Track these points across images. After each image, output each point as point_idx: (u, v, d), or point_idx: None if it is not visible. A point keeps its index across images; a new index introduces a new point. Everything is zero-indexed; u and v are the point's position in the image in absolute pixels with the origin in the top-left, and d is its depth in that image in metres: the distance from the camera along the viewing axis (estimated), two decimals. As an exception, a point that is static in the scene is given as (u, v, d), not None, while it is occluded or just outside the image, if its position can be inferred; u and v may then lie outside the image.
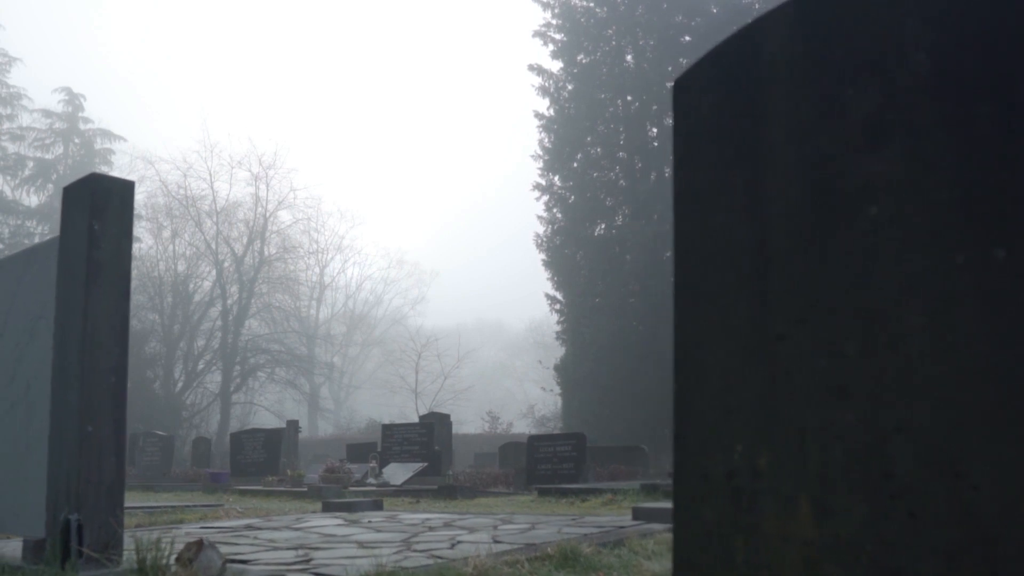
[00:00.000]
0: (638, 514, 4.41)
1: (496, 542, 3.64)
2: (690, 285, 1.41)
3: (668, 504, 4.67)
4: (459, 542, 3.68)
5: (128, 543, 2.78)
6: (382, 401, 41.36)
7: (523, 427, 29.80)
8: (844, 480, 1.10)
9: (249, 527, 4.66)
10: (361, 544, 3.67)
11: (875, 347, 1.08)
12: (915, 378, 1.04)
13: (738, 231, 1.31)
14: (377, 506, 5.84)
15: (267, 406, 32.52)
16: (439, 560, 3.06)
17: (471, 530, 4.20)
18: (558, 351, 25.88)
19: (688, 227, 1.43)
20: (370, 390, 44.16)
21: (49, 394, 2.84)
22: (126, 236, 2.87)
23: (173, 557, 2.41)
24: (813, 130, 1.22)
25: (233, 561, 2.93)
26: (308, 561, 3.14)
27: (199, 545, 2.42)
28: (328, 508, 5.68)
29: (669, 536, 3.82)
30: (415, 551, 3.39)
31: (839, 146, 1.17)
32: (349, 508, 5.53)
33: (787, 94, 1.27)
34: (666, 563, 3.03)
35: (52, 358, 2.85)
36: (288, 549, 3.51)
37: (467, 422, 31.74)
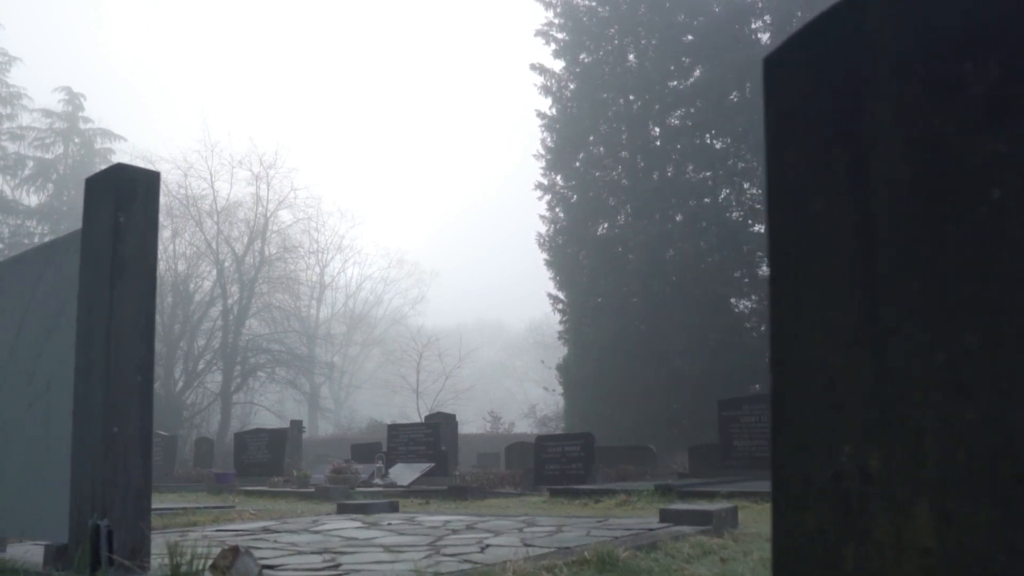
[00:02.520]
0: (666, 516, 4.31)
1: (526, 545, 3.54)
2: (787, 276, 1.32)
3: (697, 506, 4.59)
4: (488, 545, 3.59)
5: (156, 547, 2.68)
6: (382, 401, 41.29)
7: (525, 427, 29.74)
8: (968, 483, 1.01)
9: (266, 530, 4.56)
10: (387, 548, 3.57)
11: (1001, 340, 0.99)
12: (1050, 373, 0.94)
13: (841, 216, 1.22)
14: (393, 508, 5.74)
15: (267, 406, 32.43)
16: (475, 565, 2.97)
17: (496, 533, 4.11)
18: (559, 351, 25.81)
19: (783, 213, 1.33)
20: (370, 390, 44.09)
21: (71, 394, 2.74)
22: (152, 229, 2.77)
23: (208, 562, 2.32)
24: (924, 108, 1.12)
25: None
26: (337, 566, 3.04)
27: (235, 552, 2.32)
28: (343, 510, 5.58)
29: (703, 539, 3.74)
30: (445, 555, 3.29)
31: (955, 124, 1.07)
32: (365, 510, 5.43)
33: (893, 69, 1.17)
34: (713, 567, 2.93)
35: (75, 357, 2.75)
36: (313, 553, 3.41)
37: (468, 422, 31.65)
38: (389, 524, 4.66)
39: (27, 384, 3.07)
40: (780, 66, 1.38)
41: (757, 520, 5.38)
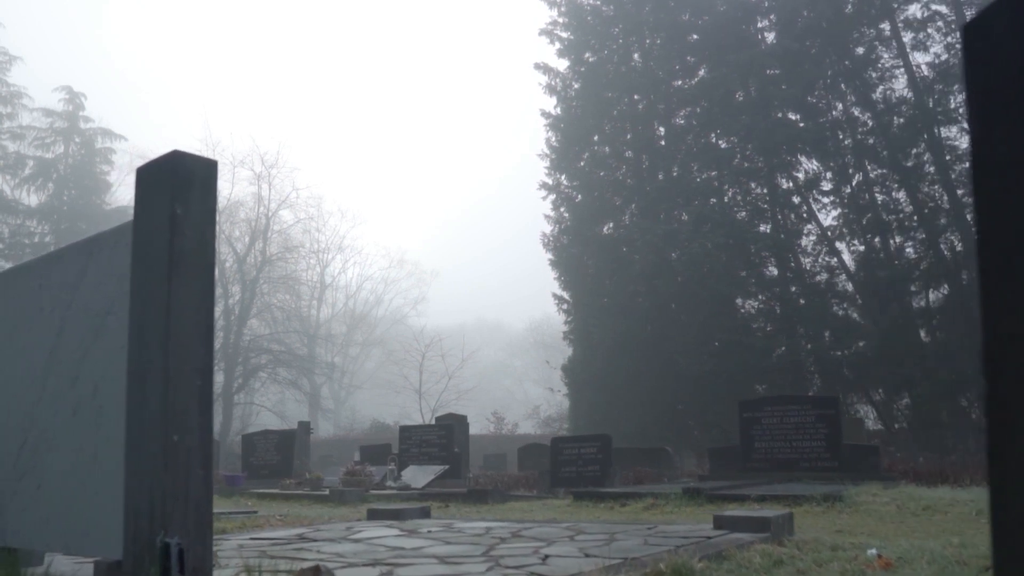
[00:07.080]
0: (721, 522, 4.16)
1: (587, 555, 3.38)
2: (1003, 269, 1.16)
3: (752, 512, 4.43)
4: (547, 556, 3.42)
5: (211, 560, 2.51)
6: (382, 401, 41.12)
7: (528, 428, 29.61)
8: None
9: (301, 538, 4.38)
10: (441, 559, 3.40)
11: None
12: None
13: (1071, 199, 1.06)
14: (425, 513, 5.58)
15: (269, 406, 32.25)
16: (547, 579, 2.81)
17: (548, 541, 3.94)
18: (560, 351, 25.64)
19: (995, 198, 1.17)
20: (370, 390, 43.94)
21: (121, 398, 2.57)
22: (210, 222, 2.60)
23: (287, 583, 2.16)
24: None
25: (319, 581, 2.65)
26: (399, 580, 2.88)
27: (315, 572, 2.16)
28: (374, 516, 5.41)
29: (766, 547, 3.58)
30: (508, 567, 3.12)
31: None
32: (399, 516, 5.26)
33: None
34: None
35: (126, 359, 2.58)
36: (365, 566, 3.24)
37: (471, 423, 31.48)
38: (429, 532, 4.49)
39: (70, 388, 2.90)
40: (986, 32, 1.22)
41: (801, 526, 5.22)
